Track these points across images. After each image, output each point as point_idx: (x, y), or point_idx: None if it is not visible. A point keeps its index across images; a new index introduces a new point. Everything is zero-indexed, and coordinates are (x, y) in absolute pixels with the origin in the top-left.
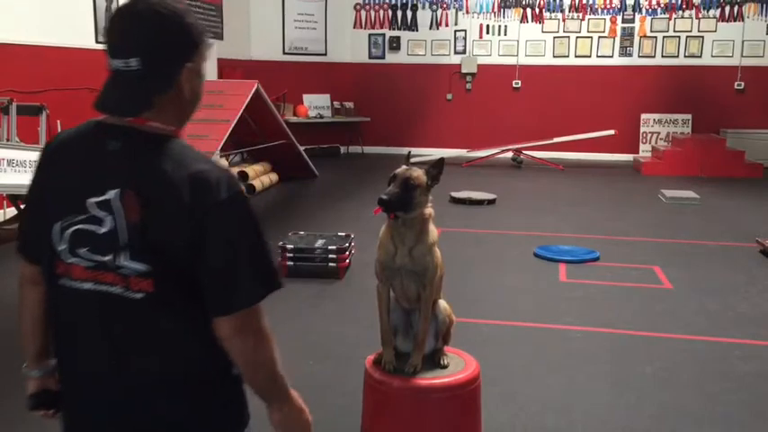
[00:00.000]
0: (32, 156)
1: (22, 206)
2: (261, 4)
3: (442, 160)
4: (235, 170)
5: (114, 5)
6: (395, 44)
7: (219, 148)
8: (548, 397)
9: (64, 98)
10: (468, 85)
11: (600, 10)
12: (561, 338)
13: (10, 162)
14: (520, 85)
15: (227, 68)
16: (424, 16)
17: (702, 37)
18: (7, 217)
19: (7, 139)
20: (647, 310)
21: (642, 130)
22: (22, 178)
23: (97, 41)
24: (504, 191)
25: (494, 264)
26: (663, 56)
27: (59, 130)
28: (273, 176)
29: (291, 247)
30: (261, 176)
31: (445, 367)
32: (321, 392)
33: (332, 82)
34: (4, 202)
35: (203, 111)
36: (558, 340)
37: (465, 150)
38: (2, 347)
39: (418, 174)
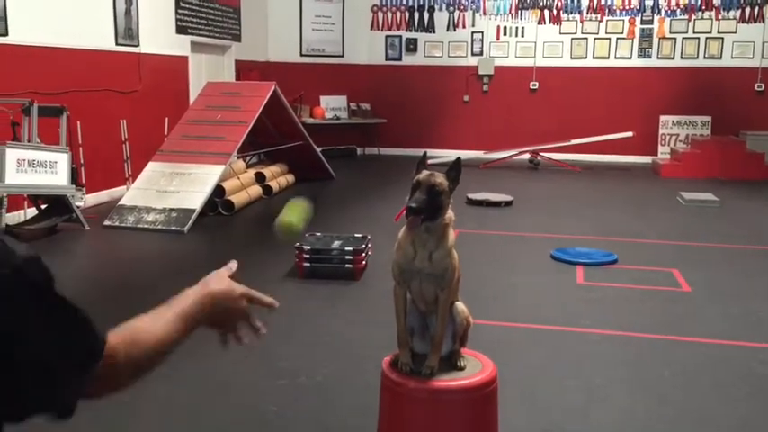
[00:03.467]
0: (53, 157)
1: (43, 206)
2: (278, 6)
3: (459, 160)
4: (252, 171)
5: (134, 8)
6: (412, 46)
7: (236, 149)
8: (565, 400)
9: (84, 99)
10: (485, 87)
11: (618, 11)
12: (579, 341)
13: (31, 163)
14: (537, 86)
15: (245, 70)
16: (441, 18)
17: (722, 38)
18: (28, 217)
19: (28, 140)
20: (666, 314)
21: (661, 131)
22: (42, 179)
23: (117, 43)
24: (521, 193)
25: (510, 266)
26: (682, 57)
27: (79, 131)
28: (290, 178)
29: (308, 248)
30: (278, 178)
31: (462, 369)
32: (337, 393)
33: (349, 83)
34: (25, 202)
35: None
36: (575, 343)
37: (482, 152)
38: None
39: (441, 179)
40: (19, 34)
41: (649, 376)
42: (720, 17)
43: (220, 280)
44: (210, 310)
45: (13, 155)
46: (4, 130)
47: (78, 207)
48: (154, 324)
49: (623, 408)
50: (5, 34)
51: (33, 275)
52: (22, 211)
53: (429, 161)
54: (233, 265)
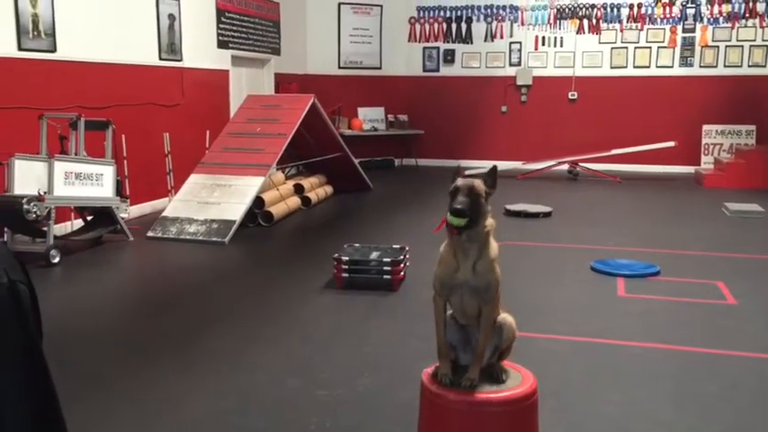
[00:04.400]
0: (99, 169)
1: (89, 217)
2: (317, 19)
3: (495, 168)
4: (291, 183)
5: (177, 24)
6: (449, 57)
7: (276, 161)
8: (606, 414)
9: (128, 113)
10: (524, 98)
11: (659, 20)
12: (620, 354)
13: (78, 175)
14: (576, 96)
15: (284, 83)
16: (478, 29)
17: (767, 46)
18: (75, 228)
19: (75, 154)
20: (711, 327)
21: (704, 141)
22: (88, 191)
23: (160, 58)
24: (560, 203)
25: (550, 277)
26: (725, 66)
27: (124, 144)
28: (328, 189)
29: (347, 258)
30: (316, 189)
31: (503, 382)
32: (376, 405)
33: (386, 95)
34: (72, 213)
35: (261, 124)
36: (616, 356)
37: (520, 163)
38: (77, 347)
39: (479, 183)
40: (67, 50)
41: (693, 391)
42: (764, 25)
43: None
44: None
45: (61, 168)
46: (53, 143)
47: (123, 218)
48: None
49: (666, 423)
50: (54, 50)
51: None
52: (69, 223)
53: (466, 171)
54: None
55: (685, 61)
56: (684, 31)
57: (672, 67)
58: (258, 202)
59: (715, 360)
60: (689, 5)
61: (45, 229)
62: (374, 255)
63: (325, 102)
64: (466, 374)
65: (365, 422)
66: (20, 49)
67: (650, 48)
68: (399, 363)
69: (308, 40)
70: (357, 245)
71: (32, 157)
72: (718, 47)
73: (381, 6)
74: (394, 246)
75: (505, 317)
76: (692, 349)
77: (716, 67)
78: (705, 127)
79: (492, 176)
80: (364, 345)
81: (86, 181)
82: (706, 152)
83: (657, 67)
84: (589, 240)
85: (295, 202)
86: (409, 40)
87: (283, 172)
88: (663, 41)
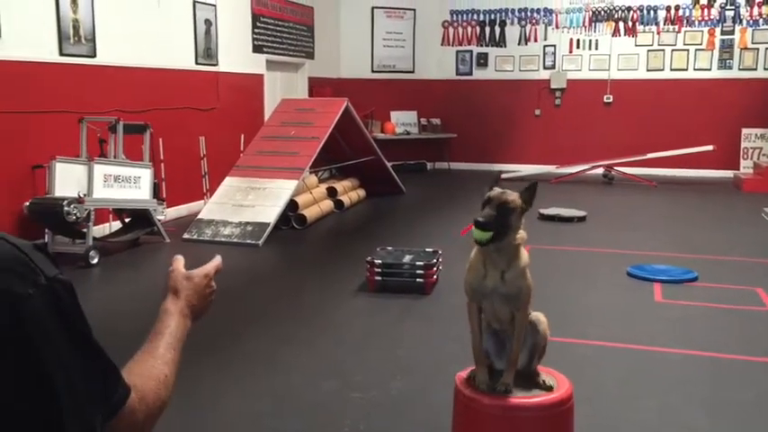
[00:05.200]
0: (137, 172)
1: (127, 219)
2: (351, 23)
3: (535, 185)
4: (324, 186)
5: (213, 29)
6: (482, 60)
7: (309, 164)
8: (642, 420)
9: (165, 117)
10: (558, 101)
11: (697, 22)
12: (657, 360)
13: (117, 178)
14: (611, 99)
15: (318, 87)
16: (512, 32)
17: None
18: (113, 230)
19: (114, 157)
20: (750, 334)
21: (743, 145)
22: (127, 193)
23: (197, 63)
24: (595, 208)
25: (585, 282)
26: (765, 68)
27: (161, 147)
28: (361, 192)
29: (380, 262)
30: (349, 192)
31: (548, 388)
32: (409, 408)
33: (419, 99)
34: (110, 215)
35: (294, 128)
36: (653, 362)
37: (554, 166)
38: (114, 347)
39: (514, 197)
40: (106, 55)
41: (729, 398)
42: None
43: (185, 280)
44: (192, 317)
45: (100, 170)
46: (93, 146)
47: (159, 220)
48: (157, 367)
49: (700, 430)
50: (94, 56)
51: (60, 297)
52: (107, 224)
53: (503, 176)
54: (216, 261)
55: (724, 64)
56: (723, 33)
57: (710, 69)
58: (292, 205)
59: (753, 367)
60: (728, 7)
61: (84, 230)
62: (407, 258)
63: (359, 105)
64: (501, 379)
65: (398, 425)
66: (61, 54)
67: (688, 50)
68: (432, 366)
69: (341, 44)
70: (390, 248)
71: (73, 160)
72: (757, 49)
73: (414, 10)
74: (427, 249)
75: (539, 315)
76: (729, 356)
77: (755, 69)
78: (744, 130)
79: (530, 192)
80: (397, 348)
81: (124, 183)
82: (745, 156)
83: (695, 69)
84: (625, 245)
85: (328, 205)
86: (442, 44)
87: (316, 175)
88: (701, 44)
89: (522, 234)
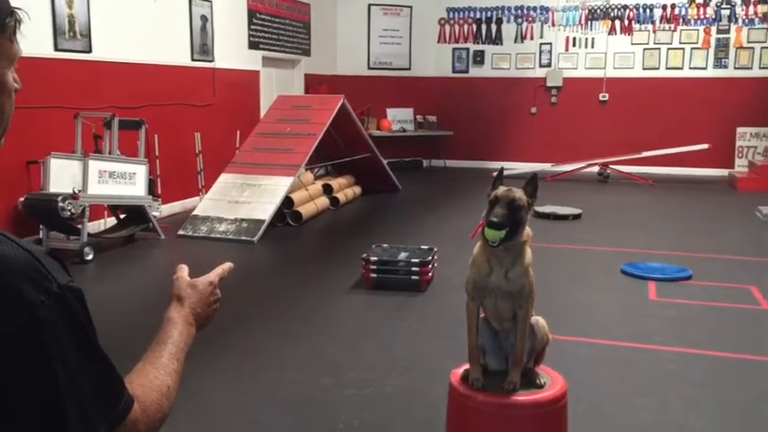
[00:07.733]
0: (132, 168)
1: (122, 216)
2: (347, 20)
3: (535, 176)
4: (319, 183)
5: (209, 25)
6: (479, 58)
7: (305, 161)
8: (636, 419)
9: (161, 113)
10: (554, 99)
11: (693, 21)
12: (651, 359)
13: (111, 174)
14: (607, 98)
15: (314, 83)
16: (508, 30)
17: None
18: (108, 226)
19: (109, 153)
20: (744, 332)
21: (738, 144)
22: (122, 189)
23: (192, 59)
24: (590, 206)
25: (579, 280)
26: (761, 67)
27: (156, 143)
28: (357, 189)
29: (375, 259)
30: (345, 189)
31: (542, 385)
32: (404, 404)
33: (415, 96)
34: (105, 212)
35: (290, 125)
36: (648, 361)
37: (549, 164)
38: (108, 343)
39: (521, 194)
40: (102, 51)
41: (725, 397)
42: None
43: (190, 288)
44: (197, 325)
45: (95, 166)
46: (88, 142)
47: (155, 217)
48: (160, 378)
49: (696, 430)
50: (89, 51)
51: (71, 306)
52: (102, 221)
53: (505, 173)
54: (221, 268)
55: (719, 63)
56: (719, 32)
57: (705, 68)
58: (287, 201)
59: (748, 366)
60: (723, 6)
61: (79, 226)
62: (402, 255)
63: (355, 102)
64: (508, 378)
65: (393, 422)
66: (56, 49)
67: (683, 49)
68: (427, 363)
69: (337, 41)
70: (385, 245)
71: (68, 156)
72: (753, 48)
73: (411, 7)
74: (422, 246)
75: (538, 318)
76: (724, 355)
77: (751, 68)
78: (739, 129)
79: (533, 185)
80: (392, 345)
81: (120, 180)
82: (740, 155)
83: (691, 68)
84: (619, 243)
85: (324, 202)
86: (439, 41)
87: (312, 172)
88: (696, 42)
89: (527, 231)
